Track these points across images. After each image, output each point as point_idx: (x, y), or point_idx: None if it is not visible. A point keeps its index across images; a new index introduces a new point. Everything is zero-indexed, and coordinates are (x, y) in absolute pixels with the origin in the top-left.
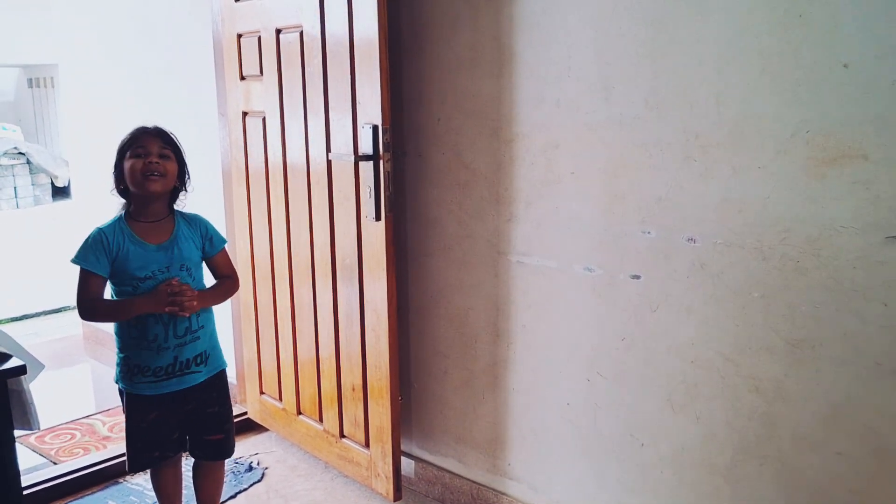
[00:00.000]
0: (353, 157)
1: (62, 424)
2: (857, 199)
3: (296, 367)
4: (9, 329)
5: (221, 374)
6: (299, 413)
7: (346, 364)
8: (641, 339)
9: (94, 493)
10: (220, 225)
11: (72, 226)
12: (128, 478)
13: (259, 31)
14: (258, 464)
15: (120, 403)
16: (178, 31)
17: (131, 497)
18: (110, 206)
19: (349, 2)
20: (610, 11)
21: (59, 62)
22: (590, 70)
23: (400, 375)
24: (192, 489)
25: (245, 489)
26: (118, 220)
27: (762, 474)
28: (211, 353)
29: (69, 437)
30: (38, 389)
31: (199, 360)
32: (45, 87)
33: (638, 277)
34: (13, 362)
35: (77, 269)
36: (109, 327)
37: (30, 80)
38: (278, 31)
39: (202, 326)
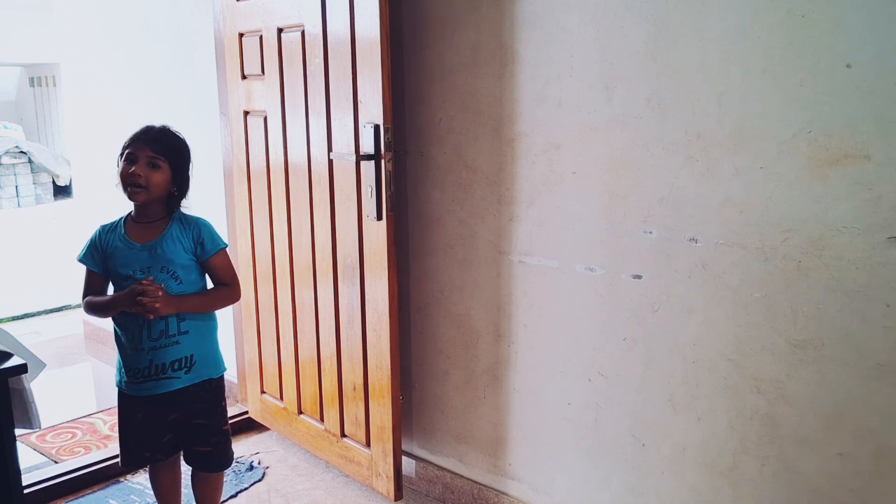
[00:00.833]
0: (354, 157)
1: (63, 423)
2: (860, 200)
3: (297, 367)
4: (10, 328)
5: (209, 384)
6: (300, 412)
7: (347, 363)
8: (643, 340)
9: (95, 491)
10: (221, 224)
11: (73, 225)
12: (129, 477)
13: (261, 30)
14: (259, 463)
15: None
16: (180, 30)
17: (132, 496)
18: (112, 205)
19: (351, 1)
20: (612, 11)
21: (60, 61)
22: (591, 70)
23: (401, 375)
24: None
25: (246, 488)
26: (120, 219)
27: (763, 475)
28: (198, 360)
29: (70, 435)
30: (39, 388)
31: (178, 366)
32: (47, 85)
33: (639, 277)
34: (14, 361)
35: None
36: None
37: (31, 79)
38: (280, 31)
39: (185, 332)
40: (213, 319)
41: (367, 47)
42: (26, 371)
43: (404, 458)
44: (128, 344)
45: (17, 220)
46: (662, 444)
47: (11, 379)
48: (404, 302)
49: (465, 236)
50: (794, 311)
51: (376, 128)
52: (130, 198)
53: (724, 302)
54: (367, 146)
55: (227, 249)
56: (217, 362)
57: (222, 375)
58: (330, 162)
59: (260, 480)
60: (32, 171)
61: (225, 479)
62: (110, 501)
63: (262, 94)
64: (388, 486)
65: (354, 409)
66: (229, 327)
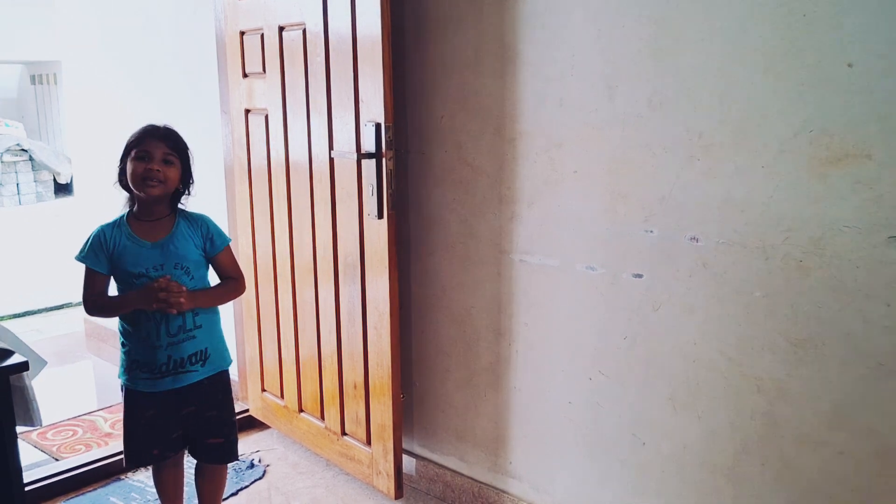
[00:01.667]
0: (355, 155)
1: (64, 421)
2: (861, 199)
3: (297, 365)
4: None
5: (223, 376)
6: (301, 410)
7: (347, 362)
8: (643, 339)
9: (96, 489)
10: (222, 222)
11: (74, 223)
12: (129, 474)
13: (262, 29)
14: (259, 461)
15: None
16: (181, 28)
17: (133, 494)
18: (113, 203)
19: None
20: (614, 10)
21: (61, 59)
22: (593, 69)
23: (402, 373)
24: (194, 489)
25: (246, 486)
26: (120, 217)
27: (764, 474)
28: (212, 353)
29: (71, 433)
30: (40, 386)
31: (195, 360)
32: (48, 83)
33: (640, 276)
34: (15, 358)
35: (83, 266)
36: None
37: (32, 77)
38: (281, 29)
39: (199, 326)
40: (218, 312)
41: (368, 46)
42: (28, 369)
43: (405, 457)
44: (143, 341)
45: (17, 217)
46: (663, 443)
47: (13, 377)
48: (405, 300)
49: (466, 235)
50: (795, 310)
51: (377, 126)
52: (145, 193)
53: (725, 301)
54: (369, 145)
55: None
56: (226, 353)
57: (229, 367)
58: (331, 160)
59: (260, 478)
60: (33, 168)
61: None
62: (111, 499)
63: (264, 93)
64: (388, 484)
65: (355, 408)
66: (230, 325)
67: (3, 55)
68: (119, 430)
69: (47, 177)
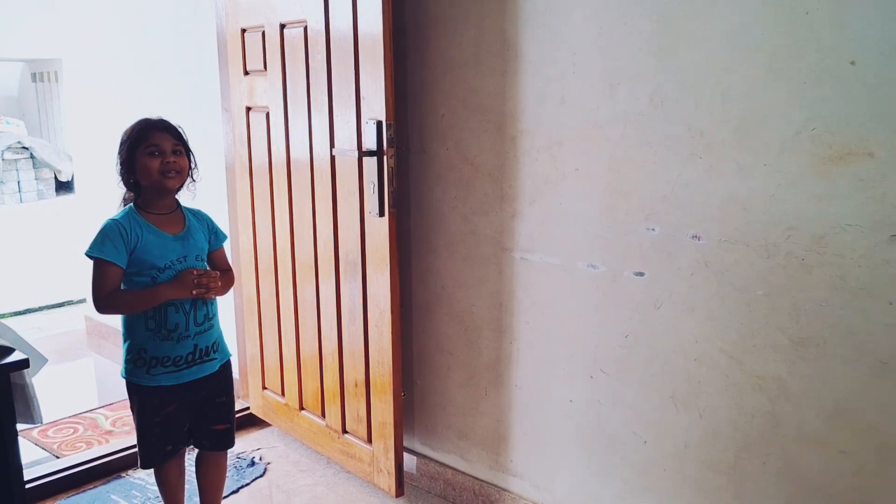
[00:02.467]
0: (356, 153)
1: (65, 419)
2: (863, 198)
3: (298, 363)
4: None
5: (228, 363)
6: (302, 408)
7: (348, 360)
8: (645, 337)
9: (97, 487)
10: (223, 220)
11: (75, 220)
12: (130, 472)
13: (263, 26)
14: (260, 459)
15: (127, 398)
16: (182, 25)
17: (133, 491)
18: (114, 201)
19: None
20: (615, 8)
21: (62, 57)
22: (594, 67)
23: (403, 371)
24: (195, 482)
25: (247, 484)
26: (130, 212)
27: (765, 472)
28: (220, 342)
29: (72, 431)
30: (41, 383)
31: (215, 347)
32: (49, 81)
33: (642, 275)
34: (16, 356)
35: (90, 263)
36: (114, 322)
37: (33, 75)
38: (282, 26)
39: (214, 315)
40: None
41: (369, 43)
42: (28, 366)
43: (406, 455)
44: (171, 333)
45: (18, 215)
46: (664, 441)
47: (13, 374)
48: (406, 298)
49: (467, 233)
50: (797, 308)
51: (379, 124)
52: (166, 186)
53: (727, 299)
54: (370, 142)
55: (230, 245)
56: (226, 342)
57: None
58: (332, 158)
59: (261, 476)
60: (34, 166)
61: (227, 475)
62: (112, 496)
63: (265, 90)
64: (389, 482)
65: (356, 406)
66: (231, 323)
67: (4, 53)
68: (120, 428)
69: (48, 174)
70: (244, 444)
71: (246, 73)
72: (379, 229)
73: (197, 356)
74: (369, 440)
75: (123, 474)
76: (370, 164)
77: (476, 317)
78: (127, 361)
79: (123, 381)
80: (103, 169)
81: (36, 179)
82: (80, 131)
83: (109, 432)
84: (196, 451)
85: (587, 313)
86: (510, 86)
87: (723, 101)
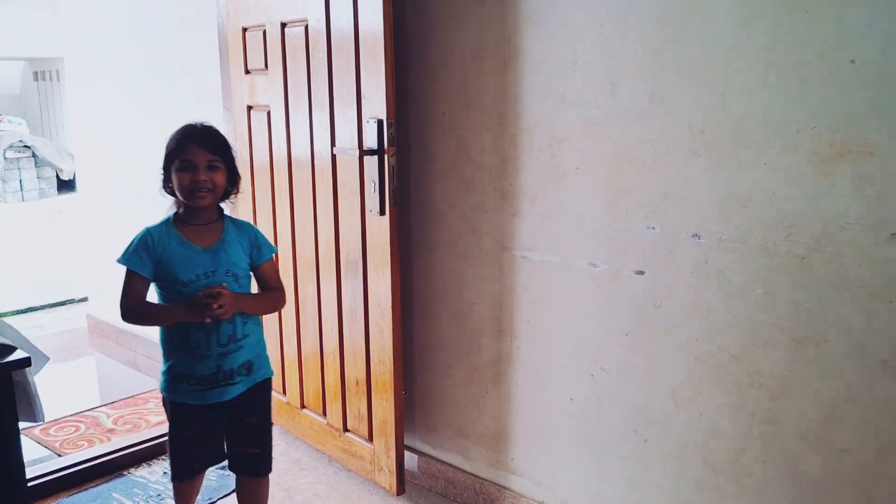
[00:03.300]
0: (357, 152)
1: (66, 417)
2: (863, 196)
3: (300, 361)
4: (13, 322)
5: (264, 384)
6: (303, 407)
7: (349, 358)
8: (645, 335)
9: (99, 485)
10: None
11: (77, 219)
12: (132, 470)
13: (264, 25)
14: None
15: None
16: (184, 24)
17: (136, 489)
18: (116, 200)
19: None
20: (616, 6)
21: (64, 55)
22: (595, 65)
23: (403, 370)
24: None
25: None
26: (166, 221)
27: (765, 471)
28: (255, 362)
29: (74, 429)
30: (43, 382)
31: (243, 370)
32: (51, 80)
33: (642, 273)
34: (18, 354)
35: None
36: (116, 321)
37: (35, 74)
38: (283, 25)
39: (247, 335)
40: (261, 323)
41: (370, 42)
42: (30, 364)
43: (406, 453)
44: (192, 351)
45: (20, 214)
46: (664, 439)
47: (15, 372)
48: (407, 297)
49: (468, 231)
50: (797, 307)
51: (380, 123)
52: (195, 203)
53: (727, 298)
54: (371, 141)
55: None
56: (268, 361)
57: (272, 377)
58: (333, 157)
59: None
60: (36, 165)
61: (228, 474)
62: (114, 495)
63: (266, 89)
64: (390, 480)
65: (357, 404)
66: None
67: (5, 52)
68: (121, 426)
69: (50, 173)
70: None
71: (247, 71)
72: (380, 228)
73: (220, 378)
74: (370, 438)
75: (125, 472)
76: (371, 162)
77: (477, 315)
78: (162, 373)
79: (125, 380)
80: (105, 168)
81: (38, 178)
82: (82, 130)
83: (111, 430)
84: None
85: (588, 312)
86: (511, 84)
87: (723, 99)
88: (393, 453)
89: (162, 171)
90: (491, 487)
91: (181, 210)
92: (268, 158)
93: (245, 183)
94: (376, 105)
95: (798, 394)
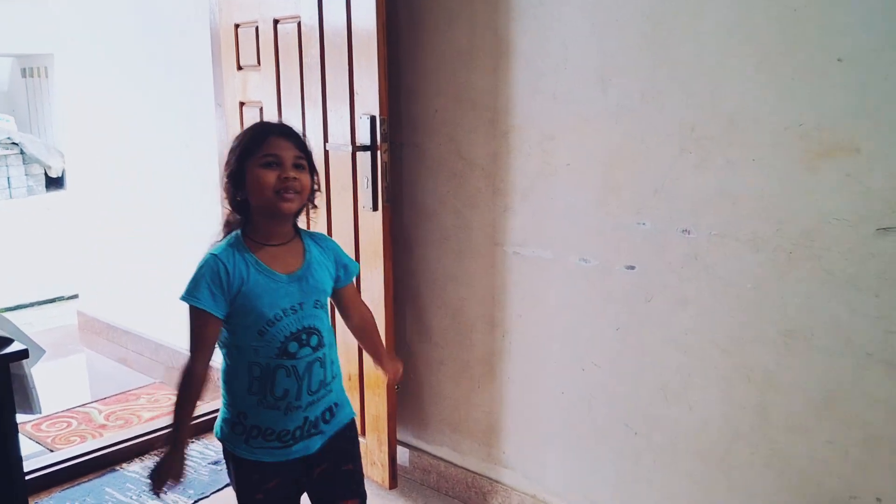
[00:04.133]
0: (350, 148)
1: (58, 413)
2: (850, 192)
3: None
4: None
5: (352, 424)
6: None
7: (342, 354)
8: (636, 330)
9: (91, 479)
10: (215, 217)
11: (66, 216)
12: (124, 465)
13: (257, 22)
14: None
15: (225, 464)
16: (175, 20)
17: (128, 484)
18: (106, 198)
19: None
20: (607, 4)
21: (53, 52)
22: (587, 62)
23: None
24: None
25: None
26: (235, 242)
27: (754, 462)
28: (339, 403)
29: (65, 425)
30: (35, 377)
31: (327, 416)
32: (39, 76)
33: (633, 268)
34: (15, 346)
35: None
36: (105, 317)
37: (24, 70)
38: (276, 22)
39: (335, 376)
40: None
41: (363, 39)
42: (27, 356)
43: (399, 447)
44: (277, 402)
45: (9, 211)
46: (655, 433)
47: (13, 364)
48: (399, 292)
49: (460, 227)
50: (785, 301)
51: (373, 119)
52: (282, 208)
53: (717, 292)
54: (364, 137)
55: None
56: (348, 399)
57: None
58: (326, 153)
59: None
60: (24, 162)
61: (221, 468)
62: (106, 489)
63: (258, 86)
64: (382, 474)
65: (350, 399)
66: None
67: None
68: (113, 422)
69: (38, 170)
70: None
71: (239, 68)
72: (372, 224)
73: (306, 430)
74: (363, 433)
75: (118, 467)
76: (364, 158)
77: (468, 310)
78: (224, 421)
79: (116, 376)
80: (96, 164)
81: (26, 175)
82: (71, 127)
83: (103, 426)
84: None
85: (579, 307)
86: (502, 80)
87: (713, 96)
88: (385, 448)
89: (226, 178)
90: (483, 481)
91: (250, 227)
92: None
93: None
94: (369, 101)
95: (786, 386)
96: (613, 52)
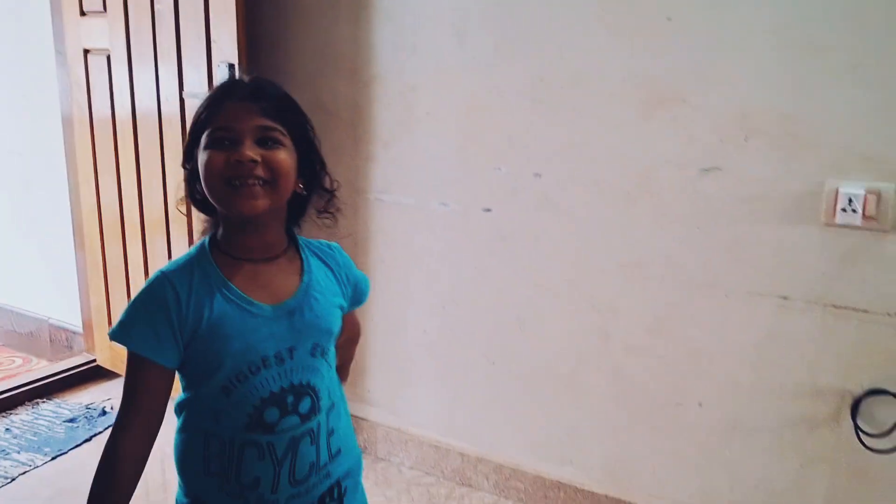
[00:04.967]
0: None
1: None
2: (678, 138)
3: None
4: None
5: (360, 468)
6: None
7: None
8: (494, 268)
9: None
10: (62, 176)
11: None
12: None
13: None
14: (112, 408)
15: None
16: None
17: None
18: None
19: None
20: None
21: None
22: (443, 16)
23: None
24: None
25: (100, 433)
26: (198, 255)
27: (598, 379)
28: (352, 473)
29: None
30: None
31: (327, 500)
32: None
33: (489, 210)
34: None
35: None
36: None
37: None
38: None
39: (338, 451)
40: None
41: None
42: None
43: None
44: (245, 491)
45: None
46: (511, 363)
47: None
48: None
49: None
50: (625, 236)
51: (231, 67)
52: (233, 207)
53: (565, 231)
54: None
55: (71, 202)
56: (357, 445)
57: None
58: (182, 102)
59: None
60: None
61: (77, 425)
62: None
63: (105, 32)
64: None
65: None
66: (73, 280)
67: None
68: None
69: None
70: (93, 394)
71: (82, 13)
72: None
73: None
74: None
75: None
76: None
77: None
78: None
79: None
80: None
81: None
82: None
83: None
84: None
85: (440, 249)
86: (363, 31)
87: (560, 51)
88: None
89: (184, 166)
90: None
91: (220, 233)
92: (109, 107)
93: (84, 133)
94: (227, 49)
95: (625, 312)
96: (469, 7)
